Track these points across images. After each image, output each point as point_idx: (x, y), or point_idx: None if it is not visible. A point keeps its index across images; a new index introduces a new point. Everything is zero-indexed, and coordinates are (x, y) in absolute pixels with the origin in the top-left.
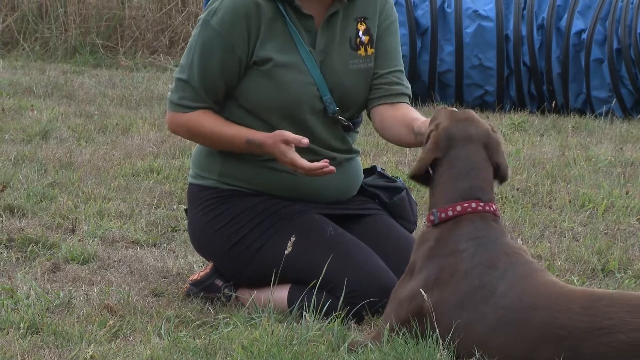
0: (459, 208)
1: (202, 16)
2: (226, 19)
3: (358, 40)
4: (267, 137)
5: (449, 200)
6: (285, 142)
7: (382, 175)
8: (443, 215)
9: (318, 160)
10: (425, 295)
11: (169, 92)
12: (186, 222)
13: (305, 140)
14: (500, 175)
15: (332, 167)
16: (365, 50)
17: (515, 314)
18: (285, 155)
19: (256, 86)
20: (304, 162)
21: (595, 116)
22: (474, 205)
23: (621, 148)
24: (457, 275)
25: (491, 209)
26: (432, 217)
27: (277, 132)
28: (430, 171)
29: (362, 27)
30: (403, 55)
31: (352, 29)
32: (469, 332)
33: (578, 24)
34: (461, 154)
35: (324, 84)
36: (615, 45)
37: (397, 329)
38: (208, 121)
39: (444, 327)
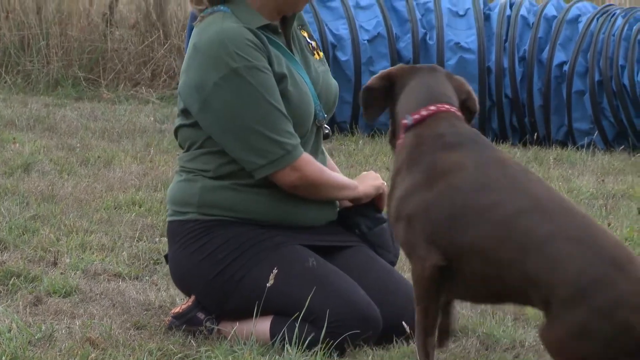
0: (432, 108)
1: (220, 75)
2: (245, 50)
3: (310, 46)
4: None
5: (419, 104)
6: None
7: (364, 206)
8: (417, 116)
9: None
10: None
11: (268, 160)
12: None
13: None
14: (468, 104)
15: None
16: (318, 54)
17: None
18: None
19: None
20: None
21: (577, 148)
22: (447, 106)
23: (603, 180)
24: (463, 169)
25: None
26: (405, 121)
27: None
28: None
29: (305, 34)
30: None
31: (301, 36)
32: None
33: (560, 56)
34: (424, 77)
35: (314, 93)
36: (596, 77)
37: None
38: (320, 166)
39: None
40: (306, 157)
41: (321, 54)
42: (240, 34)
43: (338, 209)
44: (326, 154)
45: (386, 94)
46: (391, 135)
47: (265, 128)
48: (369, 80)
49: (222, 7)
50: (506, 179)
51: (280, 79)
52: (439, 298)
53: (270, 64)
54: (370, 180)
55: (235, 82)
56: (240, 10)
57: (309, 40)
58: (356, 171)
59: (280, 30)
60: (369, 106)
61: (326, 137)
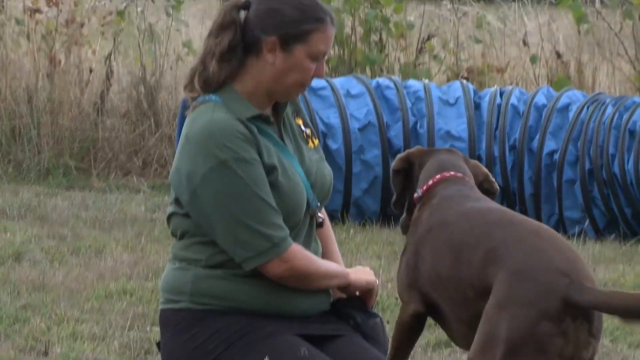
0: (437, 177)
1: (208, 167)
2: (234, 142)
3: (304, 134)
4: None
5: (429, 177)
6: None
7: (357, 298)
8: (425, 187)
9: None
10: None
11: (256, 252)
12: (159, 349)
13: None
14: (487, 187)
15: None
16: (312, 142)
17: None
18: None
19: None
20: None
21: (568, 237)
22: (452, 172)
23: (594, 269)
24: (446, 225)
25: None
26: (415, 195)
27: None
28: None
29: (300, 122)
30: (375, 177)
31: (295, 124)
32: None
33: (550, 145)
34: (440, 155)
35: (307, 183)
36: (587, 166)
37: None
38: (307, 254)
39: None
40: (294, 249)
41: (316, 141)
42: (230, 125)
43: (332, 299)
44: (325, 238)
45: (406, 175)
46: (405, 219)
47: (252, 221)
48: (393, 164)
49: (213, 97)
50: (484, 219)
51: (270, 170)
52: (412, 344)
53: (260, 155)
54: (363, 274)
55: (223, 174)
56: (231, 99)
57: (303, 128)
58: (347, 259)
59: (272, 120)
60: (397, 189)
61: (320, 225)
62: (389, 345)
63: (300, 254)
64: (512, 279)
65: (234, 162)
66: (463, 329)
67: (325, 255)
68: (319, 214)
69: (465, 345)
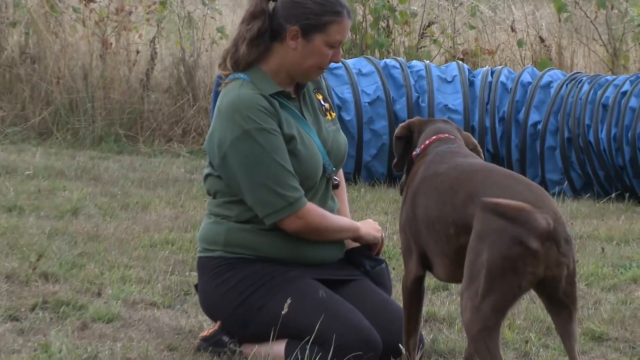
0: (433, 137)
1: (234, 135)
2: (258, 115)
3: (323, 107)
4: (372, 234)
5: (425, 140)
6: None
7: (367, 248)
8: (422, 146)
9: None
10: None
11: (274, 210)
12: (196, 291)
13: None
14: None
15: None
16: (330, 114)
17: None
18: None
19: None
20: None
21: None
22: (446, 135)
23: (572, 223)
24: (437, 176)
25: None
26: (414, 153)
27: (367, 221)
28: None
29: (320, 97)
30: (383, 144)
31: (315, 99)
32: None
33: (534, 117)
34: (437, 124)
35: (323, 150)
36: (566, 135)
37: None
38: (322, 211)
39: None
40: (309, 207)
41: (333, 114)
42: (254, 100)
43: (345, 248)
44: (338, 199)
45: (407, 141)
46: (404, 182)
47: (271, 183)
48: (396, 130)
49: (242, 75)
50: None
51: (290, 139)
52: (420, 306)
53: (280, 126)
54: (372, 228)
55: (247, 142)
56: (257, 77)
57: (322, 102)
58: (359, 215)
59: (293, 96)
60: (398, 153)
61: (336, 187)
62: (403, 313)
63: (314, 211)
64: (488, 213)
65: (256, 131)
66: (446, 262)
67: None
68: (335, 177)
69: (448, 277)
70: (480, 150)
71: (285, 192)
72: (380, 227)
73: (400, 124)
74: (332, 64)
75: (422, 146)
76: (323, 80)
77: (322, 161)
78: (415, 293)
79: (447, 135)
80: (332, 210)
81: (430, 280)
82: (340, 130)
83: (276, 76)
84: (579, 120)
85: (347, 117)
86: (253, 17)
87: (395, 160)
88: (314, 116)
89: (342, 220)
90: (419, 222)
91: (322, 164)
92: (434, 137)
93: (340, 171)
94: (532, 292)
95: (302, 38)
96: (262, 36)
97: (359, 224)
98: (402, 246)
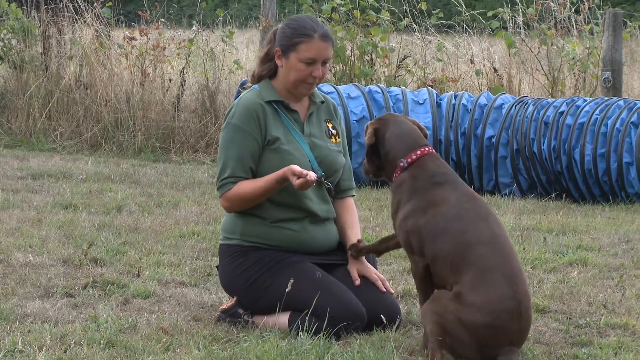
0: (419, 152)
1: (225, 122)
2: (243, 116)
3: (330, 132)
4: (284, 170)
5: (406, 150)
6: (293, 172)
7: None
8: (409, 159)
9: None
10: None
11: (217, 186)
12: (217, 272)
13: (312, 175)
14: (423, 133)
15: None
16: (335, 139)
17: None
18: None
19: (268, 160)
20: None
21: (502, 196)
22: (428, 149)
23: (519, 218)
24: (448, 202)
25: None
26: (401, 164)
27: (288, 167)
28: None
29: (329, 125)
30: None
31: (324, 125)
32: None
33: (489, 132)
34: (399, 125)
35: (312, 156)
36: (515, 146)
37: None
38: (245, 186)
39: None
40: (232, 191)
41: (339, 139)
42: (249, 104)
43: (339, 240)
44: (347, 211)
45: (376, 147)
46: (374, 169)
47: (222, 165)
48: (366, 139)
49: (255, 86)
50: (475, 212)
51: (274, 139)
52: (430, 283)
53: (266, 128)
54: (289, 172)
55: (226, 130)
56: (264, 87)
57: (331, 129)
58: None
59: (294, 109)
60: (369, 158)
61: (328, 191)
62: (419, 295)
63: (236, 191)
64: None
65: (234, 127)
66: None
67: (345, 223)
68: (327, 182)
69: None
70: (423, 127)
71: (222, 176)
72: (301, 169)
73: (367, 133)
74: (326, 89)
75: (409, 160)
76: (336, 113)
77: (307, 161)
78: (425, 278)
79: (428, 149)
80: (327, 211)
81: (406, 263)
82: (342, 153)
83: (282, 91)
84: (525, 135)
85: None
86: (267, 42)
87: (365, 166)
88: (315, 132)
89: (257, 183)
90: (423, 231)
91: (307, 161)
92: (419, 152)
93: (352, 200)
94: (524, 349)
95: (283, 56)
96: (268, 56)
97: (276, 173)
98: (402, 243)
